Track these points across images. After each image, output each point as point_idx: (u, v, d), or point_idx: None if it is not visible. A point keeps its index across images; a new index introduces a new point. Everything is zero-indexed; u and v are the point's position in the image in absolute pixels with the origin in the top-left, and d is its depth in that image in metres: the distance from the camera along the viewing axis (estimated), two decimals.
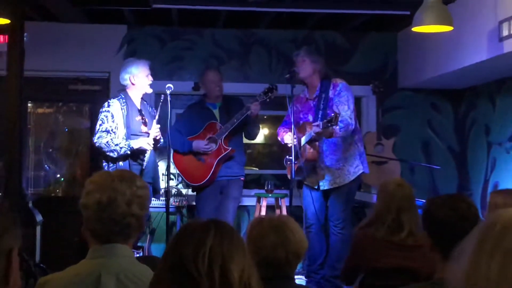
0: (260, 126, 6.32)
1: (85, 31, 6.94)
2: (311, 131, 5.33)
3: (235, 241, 1.61)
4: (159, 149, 5.80)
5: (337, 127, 5.24)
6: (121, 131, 5.34)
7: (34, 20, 6.61)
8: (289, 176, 5.83)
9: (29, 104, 7.13)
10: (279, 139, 5.91)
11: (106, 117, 5.34)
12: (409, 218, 3.60)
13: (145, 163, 5.39)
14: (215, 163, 5.82)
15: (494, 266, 1.18)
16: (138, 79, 5.42)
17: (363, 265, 3.73)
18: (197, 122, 5.96)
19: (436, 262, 2.44)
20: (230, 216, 5.87)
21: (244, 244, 1.64)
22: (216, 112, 6.04)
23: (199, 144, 5.86)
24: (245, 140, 6.28)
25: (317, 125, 5.23)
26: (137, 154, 5.37)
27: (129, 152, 5.29)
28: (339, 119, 5.12)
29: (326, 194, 5.77)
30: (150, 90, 5.51)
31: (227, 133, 5.82)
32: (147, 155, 5.39)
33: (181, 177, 6.15)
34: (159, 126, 5.40)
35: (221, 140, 5.83)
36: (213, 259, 1.55)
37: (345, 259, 5.49)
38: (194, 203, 6.26)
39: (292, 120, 5.39)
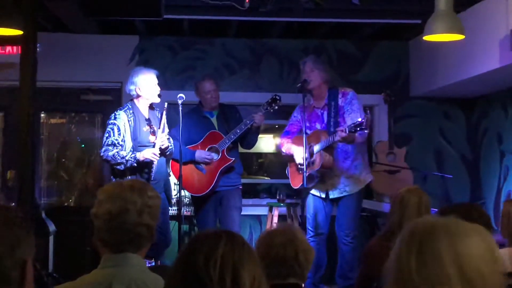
0: (272, 135, 6.27)
1: (97, 41, 6.98)
2: (336, 135, 5.23)
3: (245, 250, 1.63)
4: (169, 157, 5.68)
5: (357, 133, 5.21)
6: (129, 143, 5.29)
7: (47, 31, 6.66)
8: (292, 185, 5.80)
9: (42, 115, 7.18)
10: (282, 150, 5.84)
11: (112, 129, 5.28)
12: None
13: (152, 175, 5.28)
14: (218, 173, 5.73)
15: (413, 263, 1.54)
16: (144, 90, 5.36)
17: (377, 276, 3.71)
18: (196, 131, 5.84)
19: None
20: (237, 226, 5.79)
21: (254, 253, 1.66)
22: (214, 120, 5.93)
23: (202, 153, 5.76)
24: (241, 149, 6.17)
25: (343, 130, 5.15)
26: (142, 167, 5.27)
27: (135, 165, 5.21)
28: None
29: (333, 203, 5.70)
30: (158, 100, 5.44)
31: (230, 143, 5.75)
32: (154, 166, 5.28)
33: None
34: (165, 134, 5.36)
35: (223, 150, 5.80)
36: (224, 266, 1.57)
37: (357, 269, 5.49)
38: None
39: (304, 129, 5.35)
